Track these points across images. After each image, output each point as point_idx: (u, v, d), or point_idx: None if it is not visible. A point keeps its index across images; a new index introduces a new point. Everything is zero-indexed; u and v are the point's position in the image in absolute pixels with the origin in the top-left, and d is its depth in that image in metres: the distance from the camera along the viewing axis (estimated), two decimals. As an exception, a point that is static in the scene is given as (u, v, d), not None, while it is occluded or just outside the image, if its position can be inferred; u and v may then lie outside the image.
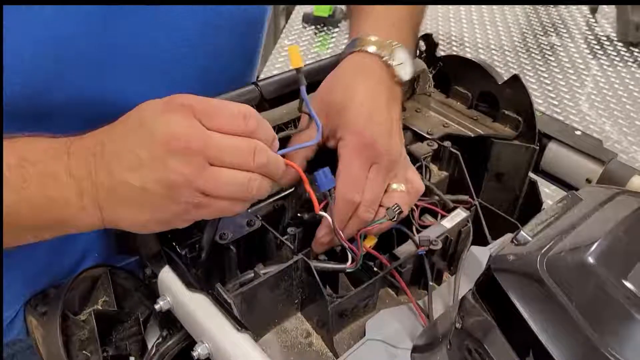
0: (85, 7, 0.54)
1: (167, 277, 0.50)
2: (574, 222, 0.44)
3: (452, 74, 0.77)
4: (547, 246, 0.42)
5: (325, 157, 0.58)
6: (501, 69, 1.79)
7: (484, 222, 0.69)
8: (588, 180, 0.68)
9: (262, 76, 1.67)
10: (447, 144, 0.69)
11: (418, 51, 0.78)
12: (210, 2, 0.63)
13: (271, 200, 0.62)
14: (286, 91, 0.65)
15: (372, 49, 0.60)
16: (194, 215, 0.47)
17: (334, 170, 0.56)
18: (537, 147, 0.70)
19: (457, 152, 0.68)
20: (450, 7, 2.21)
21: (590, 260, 0.39)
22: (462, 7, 2.22)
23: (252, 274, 0.53)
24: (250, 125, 0.46)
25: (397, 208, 0.57)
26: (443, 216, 0.66)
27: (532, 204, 0.74)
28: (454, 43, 1.94)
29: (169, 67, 0.63)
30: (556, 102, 1.56)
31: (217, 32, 0.66)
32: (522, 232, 0.44)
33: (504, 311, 0.40)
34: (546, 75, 1.74)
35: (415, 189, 0.60)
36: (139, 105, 0.48)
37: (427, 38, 0.78)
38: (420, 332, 0.55)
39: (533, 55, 1.87)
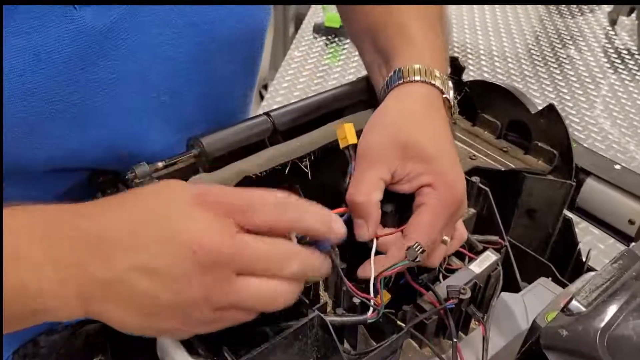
0: (61, 52, 0.48)
1: (167, 341, 0.44)
2: (636, 289, 0.38)
3: (478, 100, 0.72)
4: (607, 320, 0.36)
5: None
6: (517, 78, 1.73)
7: (515, 266, 0.63)
8: (631, 222, 0.62)
9: (271, 88, 1.63)
10: (475, 179, 0.63)
11: (443, 75, 0.73)
12: (207, 2, 0.57)
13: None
14: (300, 122, 0.60)
15: (437, 81, 0.55)
16: (199, 330, 0.41)
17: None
18: (574, 183, 0.64)
19: (487, 189, 0.62)
20: (465, 15, 2.16)
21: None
22: (476, 16, 2.16)
23: (265, 334, 0.47)
24: (291, 216, 0.41)
25: (418, 247, 0.51)
26: (471, 259, 0.60)
27: (566, 244, 0.68)
28: (469, 53, 1.89)
29: (162, 102, 0.58)
30: (574, 114, 1.50)
31: (213, 58, 0.61)
32: (574, 301, 0.39)
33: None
34: (563, 84, 1.68)
35: (459, 237, 0.56)
36: (158, 185, 0.41)
37: (454, 61, 0.72)
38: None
39: (550, 65, 1.81)
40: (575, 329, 0.36)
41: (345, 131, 0.54)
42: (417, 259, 0.52)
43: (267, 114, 0.59)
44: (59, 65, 0.49)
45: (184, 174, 0.54)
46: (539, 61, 1.81)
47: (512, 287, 0.64)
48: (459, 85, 0.72)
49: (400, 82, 0.56)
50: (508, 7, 2.25)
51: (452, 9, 2.18)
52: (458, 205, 0.51)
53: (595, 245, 0.88)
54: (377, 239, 0.52)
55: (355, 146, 0.54)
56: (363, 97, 0.65)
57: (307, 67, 1.66)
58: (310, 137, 0.59)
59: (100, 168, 0.58)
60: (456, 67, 0.71)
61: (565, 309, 0.39)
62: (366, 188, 0.50)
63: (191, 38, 0.58)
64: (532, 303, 0.60)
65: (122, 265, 0.37)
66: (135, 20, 0.54)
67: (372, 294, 0.51)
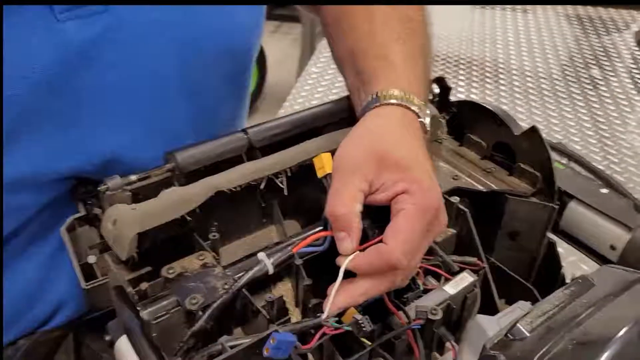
0: (42, 62, 0.50)
1: (123, 347, 0.45)
2: (581, 317, 0.38)
3: (466, 120, 0.71)
4: (546, 347, 0.35)
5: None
6: (549, 94, 1.70)
7: (493, 287, 0.63)
8: (612, 247, 0.60)
9: (286, 103, 1.64)
10: (454, 199, 0.63)
11: (430, 95, 0.73)
12: (206, 2, 0.59)
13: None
14: (278, 139, 0.61)
15: (413, 106, 0.56)
16: None
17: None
18: (557, 206, 0.63)
19: (466, 210, 0.62)
20: (498, 30, 2.14)
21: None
22: (509, 31, 2.15)
23: (220, 347, 0.47)
24: None
25: (366, 323, 0.50)
26: (447, 279, 0.60)
27: (551, 267, 0.67)
28: (500, 69, 1.87)
29: (146, 114, 0.59)
30: (607, 137, 1.46)
31: (198, 73, 0.62)
32: (518, 324, 0.38)
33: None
34: (598, 106, 1.65)
35: None
36: None
37: (441, 81, 0.72)
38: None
39: (584, 84, 1.78)
40: (513, 354, 0.36)
41: (322, 161, 0.54)
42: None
43: (243, 130, 0.60)
44: (38, 75, 0.51)
45: (157, 188, 0.55)
46: (573, 81, 1.78)
47: (491, 309, 0.63)
48: (446, 105, 0.73)
49: (377, 104, 0.57)
50: (542, 25, 2.23)
51: (486, 26, 2.17)
52: (434, 212, 0.51)
53: (579, 267, 0.86)
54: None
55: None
56: (344, 115, 0.66)
57: (322, 84, 1.67)
58: (288, 153, 0.60)
59: (86, 177, 0.59)
60: (443, 87, 0.71)
61: (508, 334, 0.38)
62: (346, 200, 0.50)
63: (175, 52, 0.60)
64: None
65: None
66: (118, 35, 0.56)
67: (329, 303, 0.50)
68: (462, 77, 1.80)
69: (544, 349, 0.35)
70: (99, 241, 0.56)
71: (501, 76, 1.81)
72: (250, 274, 0.50)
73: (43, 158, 0.56)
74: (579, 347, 0.35)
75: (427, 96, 0.65)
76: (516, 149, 0.66)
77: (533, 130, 0.63)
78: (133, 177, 0.54)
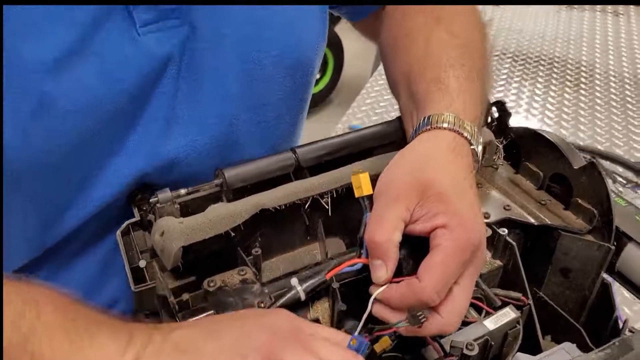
0: (127, 73, 0.54)
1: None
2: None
3: (523, 148, 0.69)
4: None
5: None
6: (632, 100, 1.59)
7: (537, 325, 0.61)
8: (670, 297, 0.57)
9: (354, 104, 1.64)
10: (502, 231, 0.61)
11: (489, 118, 0.71)
12: (234, 3, 0.60)
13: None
14: (326, 159, 0.61)
15: (465, 132, 0.55)
16: None
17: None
18: (613, 247, 0.60)
19: (513, 243, 0.60)
20: (586, 31, 2.04)
21: None
22: (598, 33, 2.04)
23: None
24: None
25: (422, 316, 0.50)
26: (488, 313, 0.58)
27: (603, 309, 0.64)
28: (582, 70, 1.78)
29: (214, 125, 0.62)
30: None
31: (264, 86, 0.63)
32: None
33: None
34: None
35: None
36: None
37: (500, 105, 0.70)
38: None
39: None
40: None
41: (360, 181, 0.54)
42: (416, 326, 0.51)
43: (292, 149, 0.61)
44: (125, 85, 0.54)
45: (205, 202, 0.57)
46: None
47: (534, 348, 0.61)
48: (504, 130, 0.70)
49: (428, 127, 0.56)
50: (634, 29, 2.10)
51: (572, 26, 2.07)
52: (473, 250, 0.49)
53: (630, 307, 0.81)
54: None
55: (370, 197, 0.54)
56: (395, 138, 0.65)
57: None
58: (335, 174, 0.60)
59: (145, 182, 0.62)
60: (502, 111, 0.69)
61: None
62: (387, 227, 0.50)
63: (240, 66, 0.61)
64: (548, 368, 0.57)
65: None
66: (193, 45, 0.58)
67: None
68: (541, 77, 1.73)
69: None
70: (150, 246, 0.59)
71: (582, 79, 1.72)
72: (282, 300, 0.51)
73: (116, 160, 0.59)
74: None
75: (482, 121, 0.63)
76: (574, 182, 0.63)
77: (592, 166, 0.61)
78: (182, 191, 0.56)
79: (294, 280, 0.53)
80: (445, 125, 0.55)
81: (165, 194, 0.55)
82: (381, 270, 0.50)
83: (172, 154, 0.61)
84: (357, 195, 0.54)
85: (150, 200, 0.55)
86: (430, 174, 0.52)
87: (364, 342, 0.45)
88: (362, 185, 0.54)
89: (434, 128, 0.55)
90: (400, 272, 0.52)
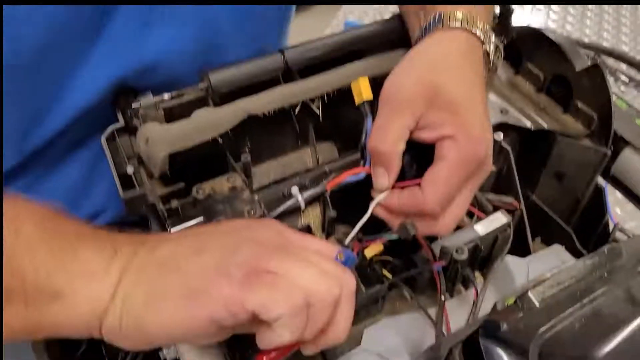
0: None
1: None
2: (596, 292, 0.36)
3: (525, 49, 0.66)
4: (552, 322, 0.35)
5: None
6: None
7: (528, 229, 0.61)
8: (663, 202, 0.57)
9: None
10: (498, 135, 0.60)
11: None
12: (216, 2, 0.56)
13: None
14: (318, 61, 0.58)
15: (478, 31, 0.52)
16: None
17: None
18: (609, 152, 0.59)
19: (509, 149, 0.59)
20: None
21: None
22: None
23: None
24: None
25: (412, 228, 0.50)
26: (479, 218, 0.58)
27: (595, 214, 0.64)
28: None
29: (195, 23, 0.58)
30: None
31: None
32: (529, 293, 0.37)
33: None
34: None
35: None
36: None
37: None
38: (424, 349, 0.50)
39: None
40: (515, 325, 0.35)
41: (360, 86, 0.52)
42: (405, 238, 0.51)
43: (281, 50, 0.58)
44: None
45: (190, 107, 0.55)
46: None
47: (523, 250, 0.62)
48: (506, 29, 0.67)
49: (438, 26, 0.52)
50: None
51: None
52: (478, 164, 0.49)
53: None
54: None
55: (370, 102, 0.52)
56: (392, 38, 0.62)
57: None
58: (326, 77, 0.58)
59: (127, 86, 0.60)
60: (505, 11, 0.65)
61: (517, 300, 0.37)
62: (391, 137, 0.49)
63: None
64: (537, 270, 0.57)
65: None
66: None
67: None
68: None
69: (549, 324, 0.34)
70: (138, 152, 0.58)
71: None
72: (282, 207, 0.51)
73: (91, 62, 0.56)
74: (586, 326, 0.34)
75: (491, 20, 0.59)
76: (575, 85, 0.61)
77: (595, 67, 0.58)
78: (166, 96, 0.54)
79: (294, 189, 0.52)
80: (457, 24, 0.52)
81: (147, 99, 0.53)
82: (383, 178, 0.50)
83: (151, 55, 0.58)
84: (357, 102, 0.52)
85: (133, 105, 0.53)
86: (440, 80, 0.49)
87: (351, 255, 0.44)
88: (362, 91, 0.52)
89: (445, 27, 0.52)
90: (403, 176, 0.52)
